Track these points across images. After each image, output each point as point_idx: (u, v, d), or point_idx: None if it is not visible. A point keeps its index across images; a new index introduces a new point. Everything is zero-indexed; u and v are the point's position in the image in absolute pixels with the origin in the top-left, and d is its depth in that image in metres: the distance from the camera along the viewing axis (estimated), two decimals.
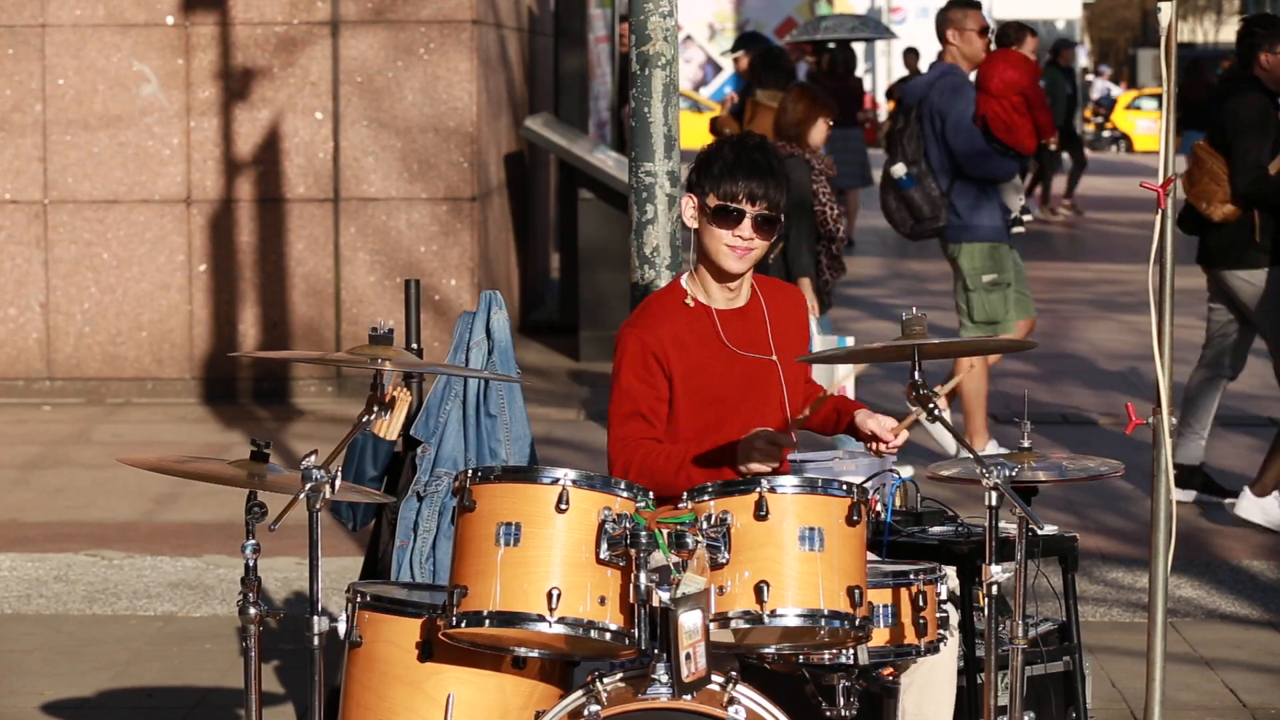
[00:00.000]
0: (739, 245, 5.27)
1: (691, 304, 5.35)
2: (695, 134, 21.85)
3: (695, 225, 5.34)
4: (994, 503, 4.80)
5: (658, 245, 6.62)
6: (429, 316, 12.46)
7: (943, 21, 11.00)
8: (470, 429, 5.94)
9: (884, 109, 25.21)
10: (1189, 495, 10.06)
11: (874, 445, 5.28)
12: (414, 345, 6.28)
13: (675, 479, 5.14)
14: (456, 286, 12.81)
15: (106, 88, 12.72)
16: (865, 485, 4.87)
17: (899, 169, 10.71)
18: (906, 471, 7.32)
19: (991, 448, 10.54)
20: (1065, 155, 26.06)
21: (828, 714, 4.87)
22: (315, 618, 4.66)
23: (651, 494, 4.76)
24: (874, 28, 21.55)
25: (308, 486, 4.65)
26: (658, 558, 4.55)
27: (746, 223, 5.25)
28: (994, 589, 4.81)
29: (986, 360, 10.91)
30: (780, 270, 9.87)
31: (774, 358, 5.36)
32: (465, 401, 5.95)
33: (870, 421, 5.29)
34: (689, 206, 5.34)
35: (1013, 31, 14.42)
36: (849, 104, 21.39)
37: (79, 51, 12.66)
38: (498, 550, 4.62)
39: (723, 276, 5.34)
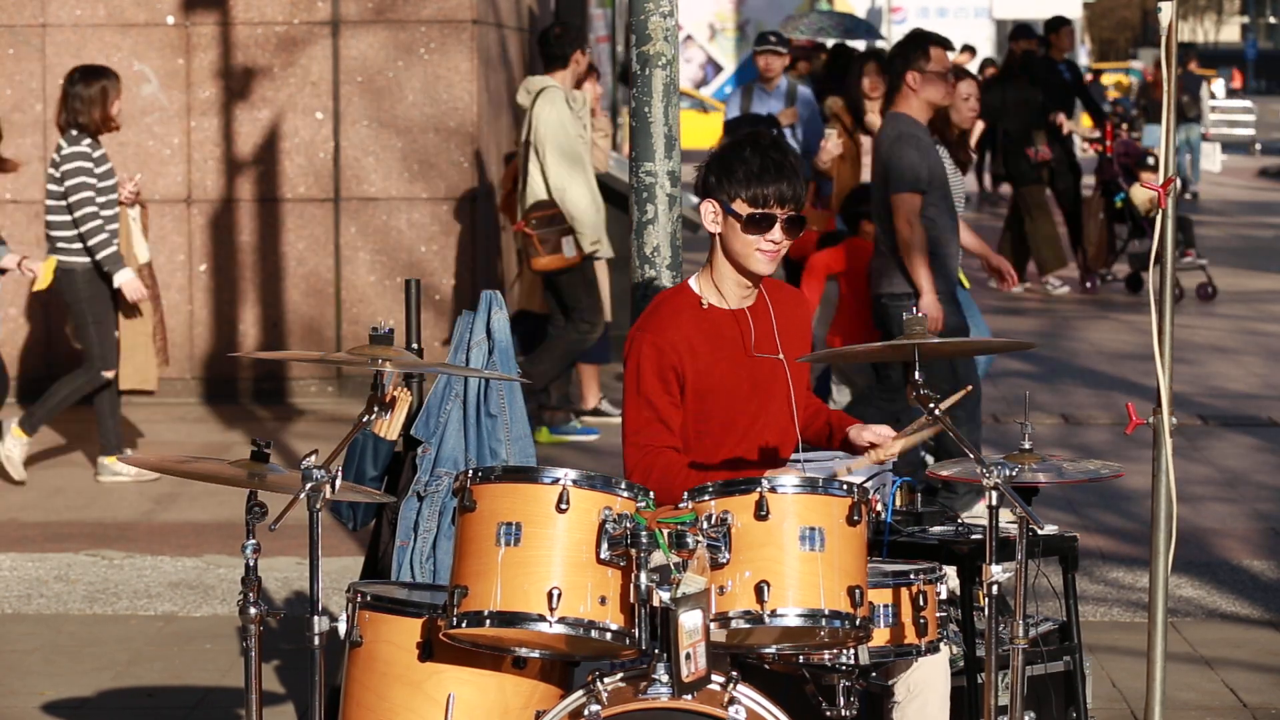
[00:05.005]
0: (770, 249, 5.26)
1: (705, 307, 5.34)
2: (698, 133, 21.85)
3: (718, 230, 5.29)
4: (994, 503, 4.80)
5: (658, 245, 6.61)
6: (429, 316, 12.45)
7: None
8: (470, 429, 5.94)
9: None
10: None
11: (875, 453, 5.26)
12: (414, 345, 6.27)
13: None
14: (457, 286, 12.81)
15: None
16: (866, 485, 4.87)
17: None
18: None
19: None
20: None
21: (828, 714, 4.86)
22: (315, 618, 4.66)
23: (652, 494, 4.76)
24: (845, 31, 21.14)
25: (308, 486, 4.65)
26: (658, 558, 4.55)
27: (778, 226, 5.24)
28: (994, 589, 4.81)
29: None
30: None
31: (780, 357, 5.36)
32: (465, 401, 5.94)
33: (866, 433, 5.30)
34: (709, 212, 5.30)
35: None
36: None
37: (79, 51, 12.64)
38: (498, 550, 4.61)
39: (750, 277, 5.33)
